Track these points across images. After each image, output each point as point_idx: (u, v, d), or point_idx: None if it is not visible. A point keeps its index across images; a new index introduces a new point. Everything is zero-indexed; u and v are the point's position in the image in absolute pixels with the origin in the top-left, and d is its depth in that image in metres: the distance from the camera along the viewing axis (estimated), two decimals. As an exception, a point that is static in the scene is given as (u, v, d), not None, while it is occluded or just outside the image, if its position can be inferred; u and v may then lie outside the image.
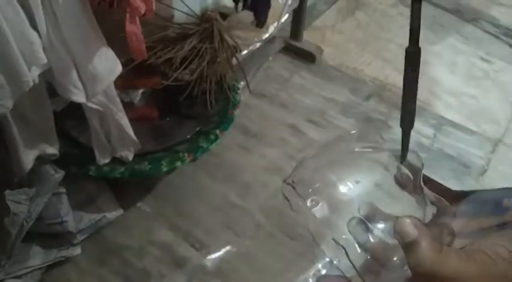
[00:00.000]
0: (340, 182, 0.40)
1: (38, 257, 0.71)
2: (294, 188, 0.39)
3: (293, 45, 1.15)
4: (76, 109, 0.66)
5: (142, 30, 0.60)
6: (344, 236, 0.38)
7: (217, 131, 0.81)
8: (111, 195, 0.79)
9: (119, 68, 0.63)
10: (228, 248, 0.77)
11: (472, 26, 1.29)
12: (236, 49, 0.85)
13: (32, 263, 0.70)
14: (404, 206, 0.39)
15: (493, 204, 0.37)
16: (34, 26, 0.51)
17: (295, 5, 1.08)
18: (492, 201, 0.37)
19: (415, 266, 0.32)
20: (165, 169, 0.76)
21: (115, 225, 0.78)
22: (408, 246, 0.33)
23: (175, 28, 0.82)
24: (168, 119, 0.85)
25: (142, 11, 0.57)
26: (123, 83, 0.70)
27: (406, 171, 0.40)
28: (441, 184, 0.41)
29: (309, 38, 1.16)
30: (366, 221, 0.38)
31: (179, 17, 0.83)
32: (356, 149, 0.43)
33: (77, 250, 0.73)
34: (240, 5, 1.01)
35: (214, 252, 0.77)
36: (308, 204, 0.39)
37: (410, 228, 0.33)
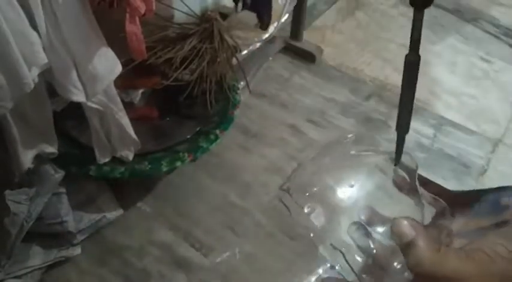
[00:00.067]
0: (337, 186, 0.40)
1: (38, 257, 0.71)
2: (290, 195, 0.40)
3: (293, 45, 1.15)
4: (76, 109, 0.66)
5: (142, 30, 0.60)
6: (342, 240, 0.38)
7: (217, 131, 0.81)
8: (111, 195, 0.79)
9: (118, 68, 0.63)
10: (228, 248, 0.77)
11: (472, 26, 1.29)
12: (236, 49, 0.85)
13: (32, 263, 0.70)
14: (402, 208, 0.39)
15: (491, 203, 0.37)
16: (34, 26, 0.51)
17: (294, 3, 1.08)
18: (490, 200, 0.37)
19: (414, 266, 0.32)
20: (165, 169, 0.76)
21: (115, 225, 0.78)
22: (406, 247, 0.33)
23: (175, 28, 0.82)
24: (168, 119, 0.85)
25: (142, 11, 0.57)
26: (123, 83, 0.70)
27: (402, 173, 0.40)
28: (439, 185, 0.41)
29: (309, 38, 1.16)
30: (365, 226, 0.38)
31: (179, 17, 0.83)
32: (352, 152, 0.43)
33: (77, 250, 0.73)
34: (240, 5, 1.01)
35: (214, 252, 0.77)
36: (305, 210, 0.39)
37: (407, 229, 0.33)
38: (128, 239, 0.77)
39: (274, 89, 1.06)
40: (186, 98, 0.82)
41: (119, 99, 0.67)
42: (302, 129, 0.98)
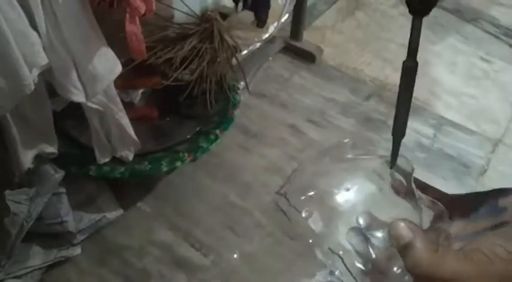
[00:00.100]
0: (334, 191, 0.40)
1: (38, 257, 0.71)
2: (287, 199, 0.40)
3: (293, 45, 1.15)
4: (76, 109, 0.66)
5: (142, 30, 0.60)
6: (341, 245, 0.38)
7: (217, 131, 0.81)
8: (111, 195, 0.79)
9: (118, 68, 0.63)
10: (228, 248, 0.77)
11: (472, 26, 1.29)
12: (236, 49, 0.85)
13: (32, 263, 0.70)
14: (400, 212, 0.39)
15: (489, 205, 0.37)
16: (34, 26, 0.51)
17: (293, 2, 1.08)
18: (488, 202, 0.37)
19: (412, 267, 0.32)
20: (165, 169, 0.76)
21: (115, 225, 0.78)
22: (404, 249, 0.33)
23: (175, 28, 0.82)
24: (168, 119, 0.85)
25: (142, 11, 0.57)
26: (123, 83, 0.70)
27: (399, 177, 0.41)
28: (437, 189, 0.41)
29: (309, 38, 1.16)
30: (364, 231, 0.38)
31: (179, 17, 0.83)
32: (349, 156, 0.43)
33: (77, 250, 0.73)
34: (240, 5, 1.01)
35: (214, 252, 0.77)
36: (303, 214, 0.39)
37: (404, 231, 0.33)
38: (128, 239, 0.77)
39: (274, 89, 1.06)
40: (186, 98, 0.82)
41: (118, 100, 0.67)
42: (302, 129, 0.98)
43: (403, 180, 0.40)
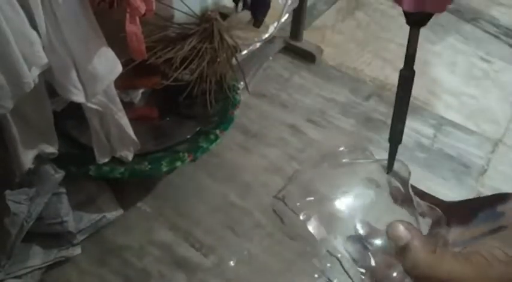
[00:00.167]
0: (332, 196, 0.40)
1: (38, 257, 0.71)
2: (285, 204, 0.40)
3: (293, 45, 1.15)
4: (76, 109, 0.66)
5: (143, 30, 0.60)
6: (338, 251, 0.38)
7: (217, 131, 0.81)
8: (111, 195, 0.79)
9: (119, 69, 0.63)
10: (228, 248, 0.77)
11: (472, 26, 1.29)
12: (236, 49, 0.85)
13: (32, 263, 0.70)
14: (397, 219, 0.39)
15: (487, 211, 0.37)
16: (34, 26, 0.51)
17: (295, 4, 1.08)
18: (486, 208, 0.37)
19: (411, 268, 0.32)
20: (165, 169, 0.76)
21: (115, 225, 0.78)
22: (402, 250, 0.33)
23: (175, 28, 0.82)
24: (168, 119, 0.85)
25: (142, 11, 0.57)
26: (123, 83, 0.70)
27: (397, 183, 0.41)
28: (434, 197, 0.41)
29: (309, 38, 1.16)
30: (362, 239, 0.38)
31: (179, 17, 0.83)
32: (345, 160, 0.43)
33: (77, 250, 0.73)
34: (240, 5, 1.01)
35: (214, 252, 0.77)
36: (301, 217, 0.39)
37: (402, 232, 0.33)
38: (128, 239, 0.77)
39: (274, 89, 1.06)
40: (186, 98, 0.82)
41: (118, 100, 0.67)
42: (302, 129, 0.98)
43: (401, 187, 0.40)
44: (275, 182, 0.86)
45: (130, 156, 0.74)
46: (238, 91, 0.88)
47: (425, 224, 0.39)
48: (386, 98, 1.05)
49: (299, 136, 0.96)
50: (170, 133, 0.82)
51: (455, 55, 1.20)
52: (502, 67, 1.18)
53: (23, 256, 0.70)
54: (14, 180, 0.67)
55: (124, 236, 0.78)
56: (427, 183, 0.85)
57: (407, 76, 0.38)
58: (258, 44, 1.11)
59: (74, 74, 0.58)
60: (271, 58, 1.13)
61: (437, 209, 0.39)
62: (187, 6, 0.82)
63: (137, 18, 0.59)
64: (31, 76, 0.52)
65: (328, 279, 0.39)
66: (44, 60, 0.53)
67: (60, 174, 0.68)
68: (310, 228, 0.38)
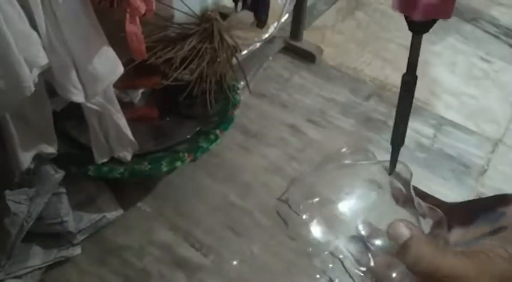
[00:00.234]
0: (334, 198, 0.41)
1: (38, 257, 0.71)
2: (289, 206, 0.40)
3: (293, 45, 1.15)
4: (76, 109, 0.66)
5: (143, 30, 0.60)
6: (340, 251, 0.38)
7: (217, 131, 0.81)
8: (111, 195, 0.79)
9: (120, 69, 0.63)
10: (228, 248, 0.77)
11: (472, 26, 1.29)
12: (236, 49, 0.85)
13: (32, 263, 0.70)
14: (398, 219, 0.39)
15: (488, 211, 0.37)
16: (34, 26, 0.51)
17: (293, 2, 1.08)
18: (487, 209, 0.37)
19: (413, 265, 0.32)
20: (165, 169, 0.76)
21: (115, 225, 0.78)
22: (403, 247, 0.33)
23: (175, 28, 0.82)
24: (168, 119, 0.85)
25: (143, 11, 0.57)
26: (123, 83, 0.70)
27: (398, 185, 0.41)
28: (436, 198, 0.42)
29: (309, 38, 1.16)
30: (363, 240, 0.38)
31: (179, 17, 0.83)
32: (347, 161, 0.43)
33: (77, 250, 0.73)
34: (240, 5, 1.01)
35: (214, 252, 0.77)
36: (304, 217, 0.39)
37: (403, 230, 0.34)
38: (128, 239, 0.77)
39: (274, 89, 1.06)
40: (186, 98, 0.82)
41: (116, 101, 0.67)
42: (302, 129, 0.98)
43: (402, 188, 0.40)
44: (275, 182, 0.86)
45: (128, 157, 0.74)
46: (238, 91, 0.88)
47: (426, 225, 0.39)
48: (387, 98, 1.05)
49: (299, 136, 0.96)
50: (170, 133, 0.82)
51: (455, 55, 1.20)
52: (502, 67, 1.18)
53: (23, 256, 0.70)
54: (14, 180, 0.67)
55: (124, 236, 0.78)
56: (427, 183, 0.85)
57: (409, 81, 0.39)
58: (258, 44, 1.11)
59: (74, 74, 0.58)
60: (271, 58, 1.13)
61: (439, 210, 0.39)
62: (187, 6, 0.82)
63: (137, 18, 0.59)
64: (31, 78, 0.52)
65: (330, 279, 0.39)
66: (45, 60, 0.53)
67: (60, 174, 0.68)
68: (313, 229, 0.38)
